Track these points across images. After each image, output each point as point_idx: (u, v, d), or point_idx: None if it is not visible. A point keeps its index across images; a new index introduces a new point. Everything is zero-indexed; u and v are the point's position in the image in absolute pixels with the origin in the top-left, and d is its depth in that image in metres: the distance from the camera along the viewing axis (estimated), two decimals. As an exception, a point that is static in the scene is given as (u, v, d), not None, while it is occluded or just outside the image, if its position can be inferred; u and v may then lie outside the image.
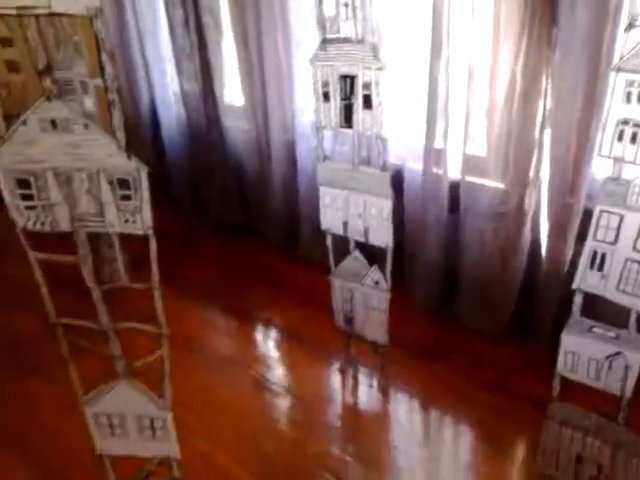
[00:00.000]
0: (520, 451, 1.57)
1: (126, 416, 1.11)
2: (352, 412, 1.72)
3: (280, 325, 2.08)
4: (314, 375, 1.84)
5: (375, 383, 1.78)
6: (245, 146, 2.42)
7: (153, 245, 0.92)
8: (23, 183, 0.93)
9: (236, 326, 2.12)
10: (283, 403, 1.75)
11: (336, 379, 1.84)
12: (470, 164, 1.77)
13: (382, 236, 1.51)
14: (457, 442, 1.60)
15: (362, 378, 1.82)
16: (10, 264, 2.52)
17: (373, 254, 1.62)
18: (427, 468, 1.52)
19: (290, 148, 2.19)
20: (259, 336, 2.08)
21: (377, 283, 1.59)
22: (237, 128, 2.42)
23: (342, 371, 1.84)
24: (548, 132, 1.60)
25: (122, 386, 1.06)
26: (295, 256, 2.40)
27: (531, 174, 1.64)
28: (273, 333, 2.06)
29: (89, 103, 1.16)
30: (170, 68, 2.49)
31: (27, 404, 1.79)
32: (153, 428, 1.11)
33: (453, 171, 1.81)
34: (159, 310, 0.96)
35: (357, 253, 1.62)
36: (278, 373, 1.87)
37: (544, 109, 1.57)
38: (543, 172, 1.64)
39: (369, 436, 1.62)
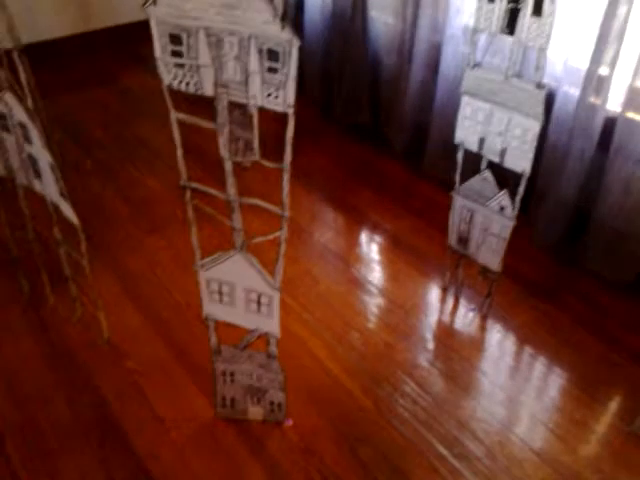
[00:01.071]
0: (617, 407, 1.49)
1: (236, 287, 1.14)
2: (447, 330, 1.70)
3: (389, 231, 2.05)
4: (415, 286, 1.82)
5: (477, 308, 1.73)
6: (386, 41, 2.30)
7: (291, 124, 0.89)
8: (175, 39, 0.92)
9: (345, 223, 2.11)
10: (380, 306, 1.75)
11: (436, 295, 1.81)
12: (635, 100, 1.58)
13: (520, 160, 1.41)
14: (549, 382, 1.55)
15: (464, 301, 1.78)
16: (143, 126, 2.63)
17: (504, 178, 1.52)
18: (511, 399, 1.49)
19: (435, 50, 2.06)
20: (366, 237, 2.07)
21: (503, 209, 1.50)
22: (382, 21, 2.29)
23: (444, 289, 1.80)
24: None
25: (238, 258, 1.09)
26: (417, 167, 2.32)
27: None
28: (380, 237, 2.04)
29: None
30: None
31: (147, 258, 1.91)
32: (259, 303, 1.15)
33: (613, 104, 1.63)
34: (286, 191, 0.95)
35: (488, 174, 1.53)
36: (379, 276, 1.86)
37: None
38: None
39: (459, 356, 1.60)
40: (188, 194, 1.04)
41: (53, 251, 1.61)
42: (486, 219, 1.57)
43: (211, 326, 1.25)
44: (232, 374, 1.34)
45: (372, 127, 2.50)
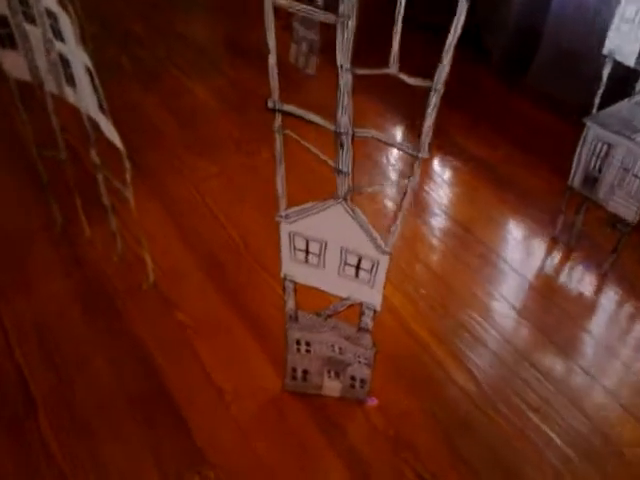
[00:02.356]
0: None
1: (329, 246, 0.85)
2: (550, 282, 1.40)
3: (482, 162, 1.70)
4: (516, 233, 1.51)
5: (595, 264, 1.42)
6: None
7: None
8: None
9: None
10: (473, 254, 1.45)
11: (543, 245, 1.49)
12: None
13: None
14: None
15: (578, 254, 1.46)
16: (184, 19, 2.27)
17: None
18: (618, 368, 1.21)
19: None
20: (454, 169, 1.73)
21: (660, 147, 1.15)
22: None
23: (555, 239, 1.48)
24: None
25: (339, 209, 0.79)
26: (519, 82, 1.93)
27: None
28: (472, 169, 1.70)
29: None
30: None
31: (198, 186, 1.63)
32: (359, 268, 0.85)
33: None
34: (428, 124, 0.63)
35: (642, 99, 1.17)
36: (470, 218, 1.54)
37: None
38: None
39: (562, 311, 1.32)
40: (278, 119, 0.72)
41: (89, 176, 1.33)
42: (629, 156, 1.23)
43: (289, 288, 0.97)
44: (308, 343, 1.08)
45: (465, 31, 2.09)
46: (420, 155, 0.67)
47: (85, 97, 1.08)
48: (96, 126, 1.13)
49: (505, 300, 1.36)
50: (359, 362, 1.09)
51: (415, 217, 1.54)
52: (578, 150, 1.31)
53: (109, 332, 1.27)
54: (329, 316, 1.01)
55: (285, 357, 1.12)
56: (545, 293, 1.37)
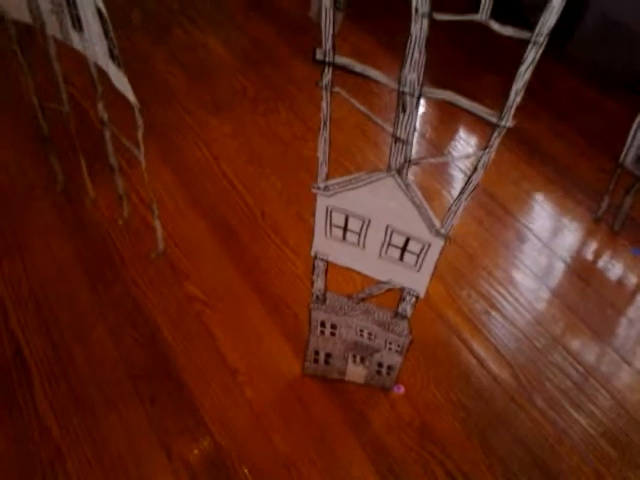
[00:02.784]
0: None
1: (372, 224, 0.74)
2: (589, 265, 1.30)
3: (522, 134, 1.58)
4: (556, 211, 1.40)
5: None
6: None
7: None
8: None
9: (463, 121, 1.65)
10: (510, 233, 1.34)
11: (583, 224, 1.39)
12: None
13: None
14: None
15: (625, 238, 1.35)
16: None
17: None
18: None
19: None
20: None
21: None
22: None
23: (598, 220, 1.37)
24: None
25: (389, 183, 0.68)
26: (560, 52, 1.79)
27: None
28: (510, 143, 1.58)
29: None
30: None
31: (211, 147, 1.51)
32: (404, 250, 0.75)
33: None
34: (518, 89, 0.51)
35: None
36: (508, 195, 1.43)
37: None
38: None
39: (598, 296, 1.22)
40: (328, 74, 0.60)
41: (95, 132, 1.21)
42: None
43: (319, 268, 0.87)
44: (334, 326, 0.98)
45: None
46: (503, 124, 0.56)
47: (94, 43, 0.95)
48: (104, 77, 1.01)
49: (541, 281, 1.26)
50: (389, 349, 0.99)
51: (446, 191, 1.43)
52: (634, 126, 1.19)
53: (112, 302, 1.17)
54: (362, 300, 0.91)
55: (307, 339, 1.03)
56: (584, 276, 1.27)
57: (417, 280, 0.80)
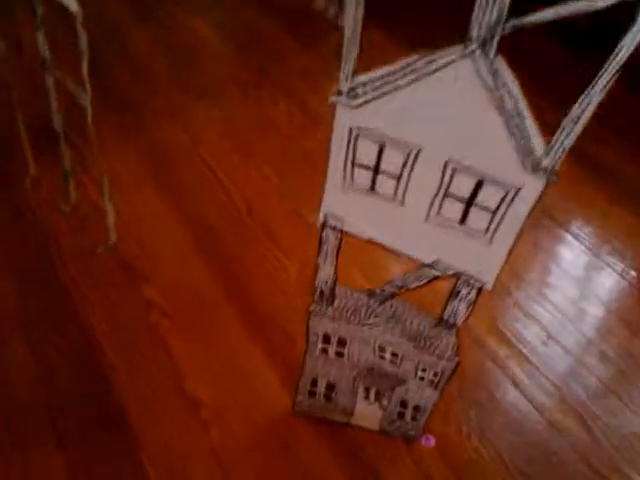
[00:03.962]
0: None
1: (422, 156, 0.46)
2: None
3: (589, 158, 1.28)
4: (619, 233, 1.11)
5: None
6: None
7: None
8: None
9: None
10: (576, 262, 1.06)
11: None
12: None
13: None
14: None
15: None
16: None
17: None
18: None
19: None
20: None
21: None
22: None
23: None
24: None
25: (465, 67, 0.40)
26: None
27: None
28: (578, 166, 1.28)
29: None
30: None
31: (191, 132, 1.23)
32: (470, 204, 0.45)
33: None
34: None
35: None
36: (578, 221, 1.14)
37: None
38: None
39: None
40: None
41: (37, 77, 0.92)
42: None
43: (329, 241, 0.57)
44: (342, 342, 0.68)
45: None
46: None
47: None
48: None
49: (599, 300, 0.96)
50: (420, 378, 0.68)
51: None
52: None
53: (39, 307, 0.86)
54: (389, 297, 0.61)
55: (301, 362, 0.72)
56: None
57: (485, 258, 0.51)
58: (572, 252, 1.05)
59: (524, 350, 0.88)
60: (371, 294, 0.62)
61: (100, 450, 0.72)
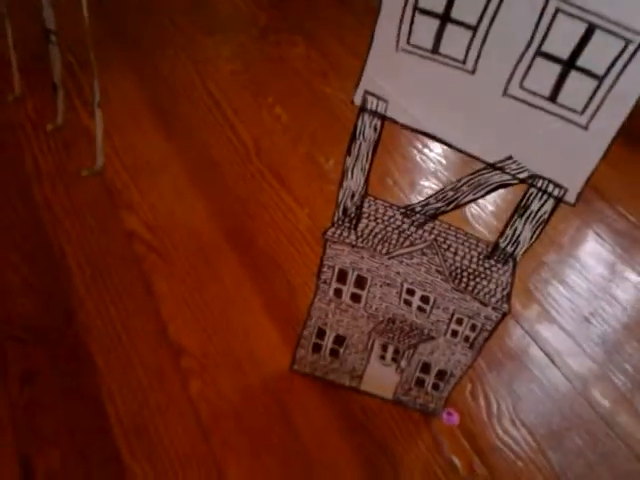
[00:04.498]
0: None
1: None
2: None
3: None
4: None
5: None
6: None
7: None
8: None
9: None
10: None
11: None
12: None
13: None
14: None
15: None
16: None
17: None
18: None
19: None
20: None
21: None
22: None
23: None
24: None
25: None
26: None
27: None
28: None
29: None
30: None
31: (198, 66, 1.10)
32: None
33: None
34: None
35: None
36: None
37: None
38: None
39: None
40: None
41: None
42: None
43: (367, 131, 0.44)
44: (361, 282, 0.55)
45: None
46: None
47: None
48: None
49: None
50: (452, 334, 0.55)
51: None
52: None
53: (9, 230, 0.74)
54: (431, 217, 0.48)
55: (308, 307, 0.59)
56: None
57: (574, 154, 0.38)
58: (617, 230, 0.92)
59: (565, 325, 0.75)
60: (409, 212, 0.49)
61: (58, 390, 0.59)
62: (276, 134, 0.97)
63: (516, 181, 0.42)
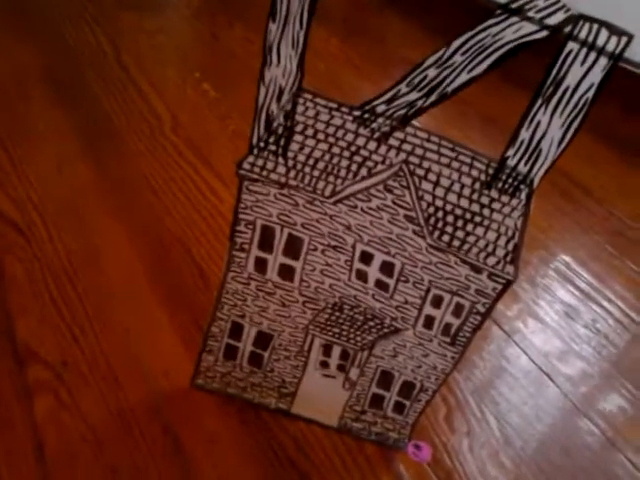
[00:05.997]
0: None
1: None
2: None
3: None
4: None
5: None
6: None
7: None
8: None
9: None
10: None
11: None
12: None
13: None
14: None
15: None
16: None
17: None
18: None
19: None
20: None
21: None
22: None
23: None
24: None
25: None
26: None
27: None
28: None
29: None
30: None
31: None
32: None
33: None
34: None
35: None
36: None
37: None
38: None
39: None
40: None
41: None
42: None
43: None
44: (293, 247, 0.36)
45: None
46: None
47: None
48: None
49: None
50: (426, 323, 0.38)
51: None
52: None
53: None
54: (400, 123, 0.30)
55: (218, 291, 0.40)
56: None
57: None
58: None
59: (550, 329, 0.58)
60: (366, 115, 0.31)
61: None
62: (199, 108, 0.80)
63: (544, 33, 0.25)
